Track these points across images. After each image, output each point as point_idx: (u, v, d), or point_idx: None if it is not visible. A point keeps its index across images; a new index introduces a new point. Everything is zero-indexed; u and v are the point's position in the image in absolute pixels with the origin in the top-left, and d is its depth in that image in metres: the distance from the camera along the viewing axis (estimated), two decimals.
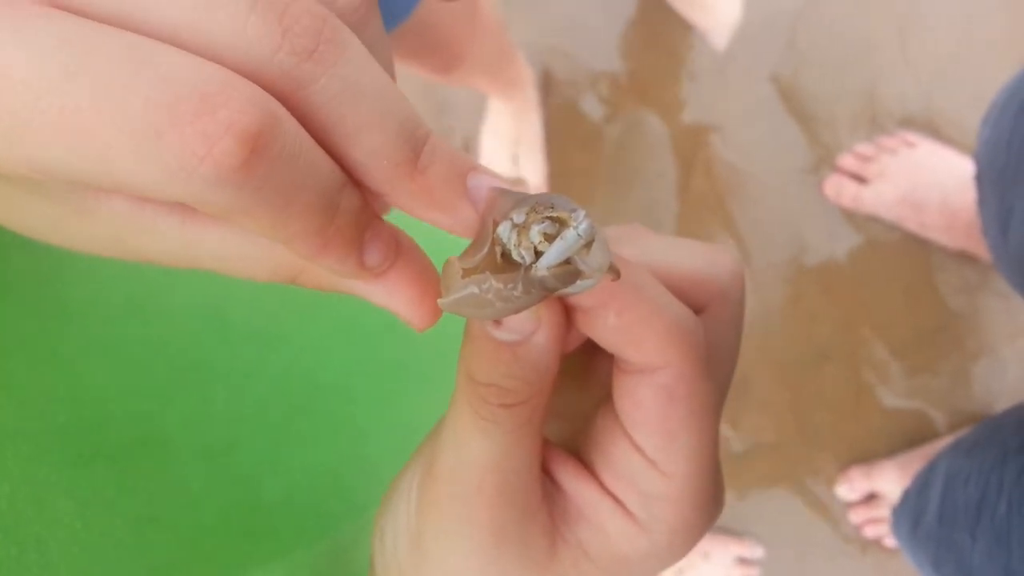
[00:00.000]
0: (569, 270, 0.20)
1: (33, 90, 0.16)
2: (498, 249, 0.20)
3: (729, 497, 1.00)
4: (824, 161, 1.19)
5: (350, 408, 0.44)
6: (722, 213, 1.19)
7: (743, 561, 1.18)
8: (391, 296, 0.22)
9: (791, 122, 1.19)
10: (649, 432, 0.24)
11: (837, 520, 1.18)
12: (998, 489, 0.71)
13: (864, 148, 1.16)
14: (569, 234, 0.19)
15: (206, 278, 0.37)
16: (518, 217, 0.20)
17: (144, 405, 0.33)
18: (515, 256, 0.20)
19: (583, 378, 0.29)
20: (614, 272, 0.21)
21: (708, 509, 0.26)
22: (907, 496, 0.91)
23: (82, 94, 0.16)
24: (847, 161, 1.17)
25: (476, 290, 0.20)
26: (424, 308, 0.22)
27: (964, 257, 1.16)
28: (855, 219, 1.18)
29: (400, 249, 0.22)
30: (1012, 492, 0.70)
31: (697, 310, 0.26)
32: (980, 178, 0.74)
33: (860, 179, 1.16)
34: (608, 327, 0.23)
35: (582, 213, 0.20)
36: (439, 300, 0.21)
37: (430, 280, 0.22)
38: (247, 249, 0.21)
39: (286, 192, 0.18)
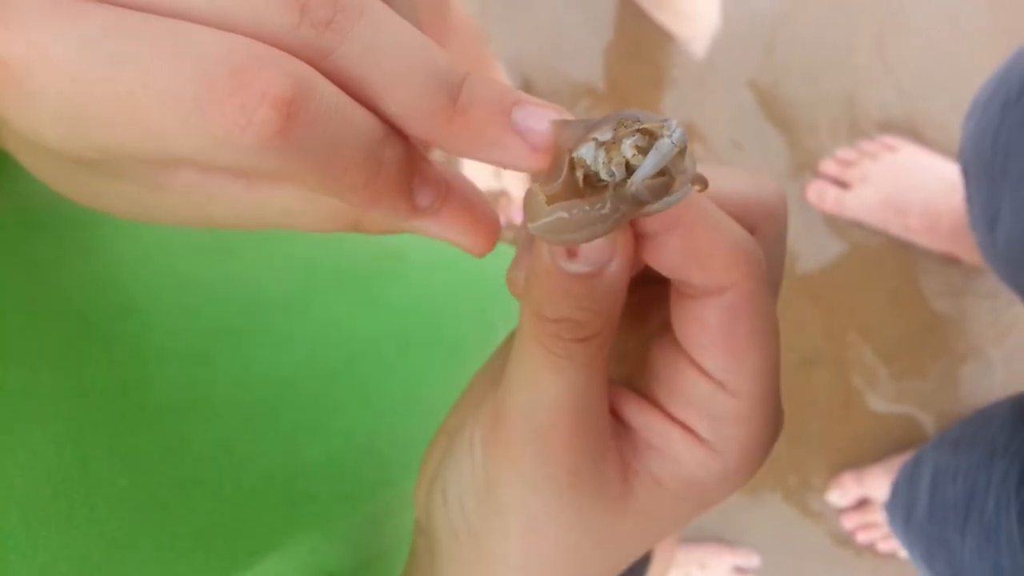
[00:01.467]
0: (663, 181, 0.20)
1: (87, 79, 0.18)
2: (579, 174, 0.20)
3: (722, 506, 1.00)
4: (806, 167, 1.19)
5: (381, 379, 0.44)
6: None
7: (739, 570, 1.18)
8: (447, 228, 0.23)
9: (772, 128, 1.19)
10: (717, 354, 0.24)
11: (831, 526, 1.18)
12: (986, 487, 0.71)
13: (845, 153, 1.17)
14: (664, 143, 0.19)
15: (234, 254, 0.40)
16: (603, 135, 0.20)
17: (183, 369, 0.35)
18: (604, 175, 0.20)
19: (634, 316, 0.29)
20: (702, 182, 0.21)
21: (775, 427, 0.26)
22: (897, 488, 0.91)
23: (132, 79, 0.18)
24: (829, 166, 1.17)
25: (565, 215, 0.20)
26: (480, 235, 0.23)
27: (948, 260, 1.17)
28: (838, 224, 1.18)
29: (450, 186, 0.23)
30: (999, 490, 0.70)
31: (750, 230, 0.26)
32: (966, 173, 0.75)
33: (842, 184, 1.16)
34: (674, 250, 0.23)
35: (674, 122, 0.20)
36: (529, 226, 0.21)
37: (482, 210, 0.23)
38: (309, 204, 0.22)
39: (328, 150, 0.19)
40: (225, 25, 0.19)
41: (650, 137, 0.20)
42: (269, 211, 0.22)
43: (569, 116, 0.21)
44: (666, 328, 0.26)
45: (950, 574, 0.75)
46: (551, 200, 0.21)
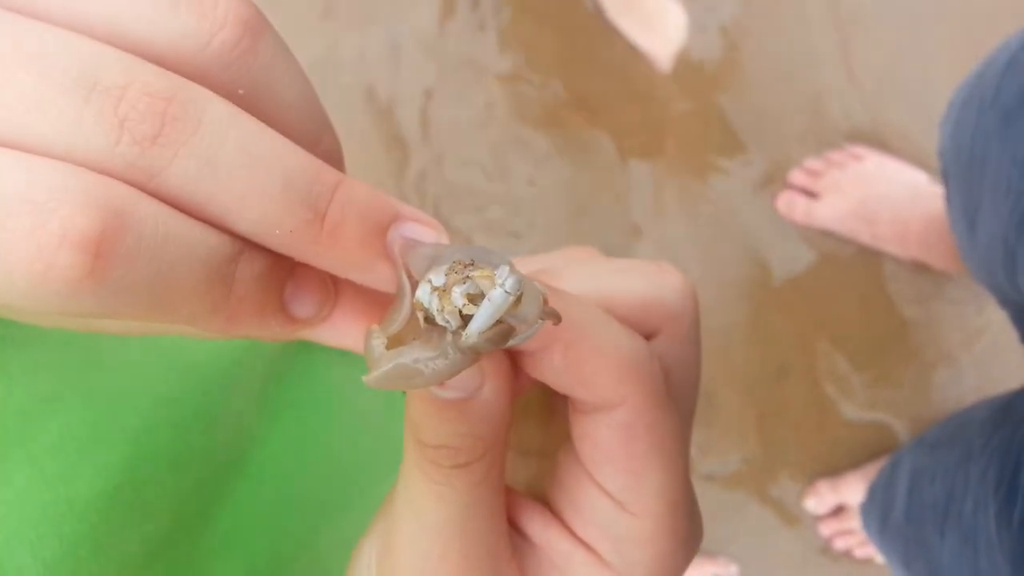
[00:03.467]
0: (502, 329, 0.18)
1: None
2: (420, 314, 0.19)
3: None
4: (774, 177, 1.20)
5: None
6: (676, 233, 1.20)
7: None
8: (341, 336, 0.20)
9: (739, 140, 1.20)
10: (613, 473, 0.23)
11: (807, 534, 1.18)
12: (964, 488, 0.72)
13: (813, 163, 1.18)
14: (496, 294, 0.18)
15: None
16: (437, 279, 0.18)
17: (112, 455, 0.32)
18: (439, 321, 0.19)
19: (548, 413, 0.27)
20: (554, 317, 0.20)
21: (685, 544, 0.24)
22: (873, 490, 0.92)
23: None
24: (797, 176, 1.18)
25: (405, 361, 0.19)
26: None
27: (917, 267, 1.18)
28: (808, 234, 1.19)
29: (340, 287, 0.20)
30: (977, 491, 0.70)
31: (651, 334, 0.24)
32: (945, 174, 0.76)
33: (811, 194, 1.18)
34: (555, 369, 0.22)
35: (506, 268, 0.18)
36: (364, 377, 0.19)
37: (381, 308, 0.20)
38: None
39: (157, 283, 0.16)
40: (29, 147, 0.16)
41: (485, 282, 0.18)
42: (147, 327, 0.20)
43: (444, 236, 0.20)
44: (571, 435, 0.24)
45: (929, 575, 0.75)
46: (391, 344, 0.19)
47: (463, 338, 0.18)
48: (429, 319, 0.19)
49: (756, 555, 1.19)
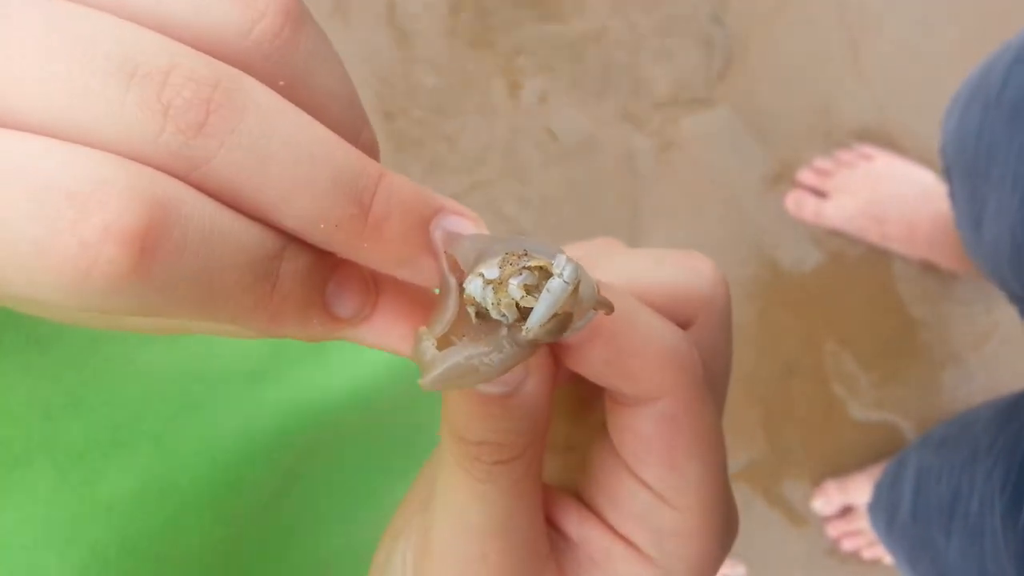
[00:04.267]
0: (560, 320, 0.18)
1: None
2: (471, 310, 0.18)
3: None
4: (783, 176, 1.20)
5: (348, 448, 0.42)
6: (684, 232, 1.20)
7: None
8: (381, 336, 0.20)
9: (749, 139, 1.20)
10: (654, 466, 0.22)
11: (815, 534, 1.18)
12: (970, 488, 0.71)
13: (822, 162, 1.18)
14: (555, 284, 0.17)
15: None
16: (490, 272, 0.18)
17: (135, 456, 0.31)
18: (494, 315, 0.18)
19: (577, 407, 0.27)
20: (606, 307, 0.19)
21: (725, 537, 0.24)
22: (879, 489, 0.91)
23: None
24: (806, 176, 1.18)
25: (459, 360, 0.18)
26: None
27: (926, 267, 1.18)
28: (817, 233, 1.19)
29: (381, 287, 0.20)
30: (983, 491, 0.70)
31: (684, 324, 0.24)
32: (949, 171, 0.75)
33: (820, 193, 1.17)
34: (598, 362, 0.21)
35: (563, 257, 0.18)
36: (420, 381, 0.19)
37: (422, 309, 0.20)
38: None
39: (202, 279, 0.16)
40: (69, 135, 0.15)
41: (540, 273, 0.18)
42: (180, 326, 0.20)
43: (484, 228, 0.19)
44: (607, 429, 0.24)
45: (935, 574, 0.75)
46: (442, 344, 0.18)
47: (523, 332, 0.18)
48: (481, 314, 0.18)
49: (763, 556, 1.18)
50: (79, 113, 0.15)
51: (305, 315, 0.18)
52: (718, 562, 0.24)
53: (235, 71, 0.16)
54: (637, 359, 0.21)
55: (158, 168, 0.16)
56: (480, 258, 0.18)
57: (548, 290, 0.17)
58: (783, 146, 1.20)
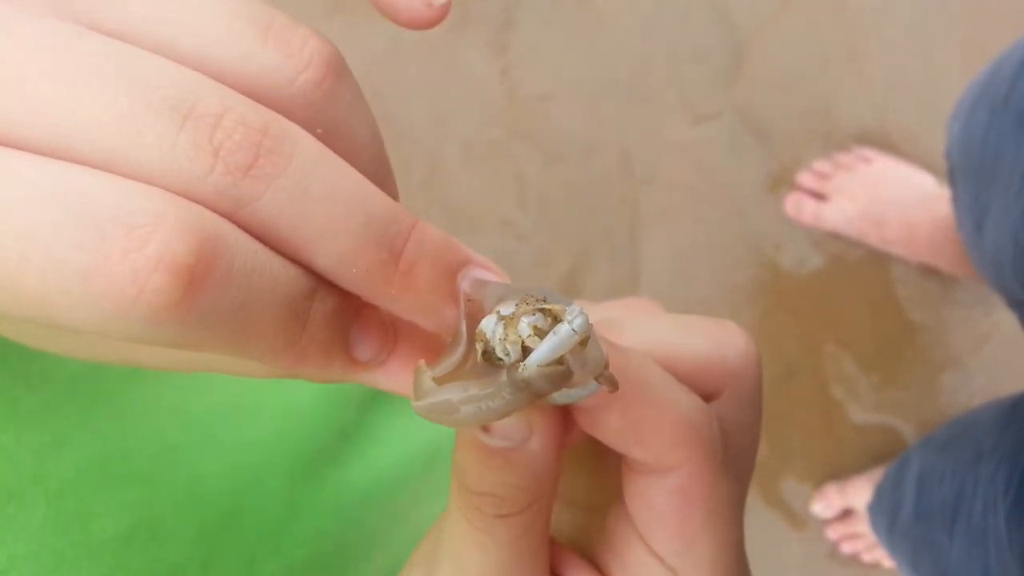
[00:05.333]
0: (560, 371, 0.18)
1: None
2: (479, 346, 0.19)
3: None
4: (783, 179, 1.20)
5: (342, 477, 0.41)
6: (684, 234, 1.20)
7: None
8: (396, 381, 0.20)
9: (748, 142, 1.20)
10: (666, 538, 0.22)
11: (815, 537, 1.18)
12: (973, 489, 0.71)
13: (822, 165, 1.18)
14: (562, 328, 0.17)
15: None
16: (506, 309, 0.18)
17: (123, 493, 0.31)
18: (499, 352, 0.18)
19: (595, 463, 0.27)
20: (611, 384, 0.19)
21: None
22: (881, 491, 0.91)
23: (4, 240, 0.15)
24: (806, 178, 1.18)
25: (453, 397, 0.18)
26: None
27: (925, 270, 1.18)
28: (816, 236, 1.19)
29: (399, 334, 0.20)
30: (987, 492, 0.70)
31: (709, 396, 0.24)
32: (952, 175, 0.76)
33: (820, 196, 1.17)
34: (612, 428, 0.21)
35: (576, 307, 0.18)
36: (413, 404, 0.19)
37: (437, 355, 0.20)
38: (234, 359, 0.19)
39: (240, 314, 0.16)
40: (121, 170, 0.16)
41: (552, 319, 0.18)
42: (195, 363, 0.20)
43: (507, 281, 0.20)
44: (622, 493, 0.24)
45: (937, 575, 0.75)
46: (441, 380, 0.19)
47: (520, 369, 0.18)
48: (487, 353, 0.19)
49: (763, 559, 1.18)
50: (134, 149, 0.16)
51: (328, 356, 0.19)
52: None
53: (283, 119, 0.17)
54: (651, 427, 0.21)
55: (205, 205, 0.16)
56: (501, 300, 0.19)
57: (554, 332, 0.18)
58: (783, 149, 1.20)
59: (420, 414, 0.19)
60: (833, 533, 1.16)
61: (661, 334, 0.24)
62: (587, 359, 0.18)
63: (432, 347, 0.20)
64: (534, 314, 0.18)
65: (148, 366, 0.21)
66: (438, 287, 0.18)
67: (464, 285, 0.19)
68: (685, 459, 0.22)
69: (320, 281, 0.18)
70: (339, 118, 0.18)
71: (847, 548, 1.15)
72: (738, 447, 0.24)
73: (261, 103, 0.17)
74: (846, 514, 1.15)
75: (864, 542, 1.14)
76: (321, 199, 0.17)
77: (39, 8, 0.16)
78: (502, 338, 0.18)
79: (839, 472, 1.18)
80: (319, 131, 0.18)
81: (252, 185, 0.16)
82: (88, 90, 0.16)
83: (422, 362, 0.19)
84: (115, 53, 0.16)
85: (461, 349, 0.19)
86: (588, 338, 0.18)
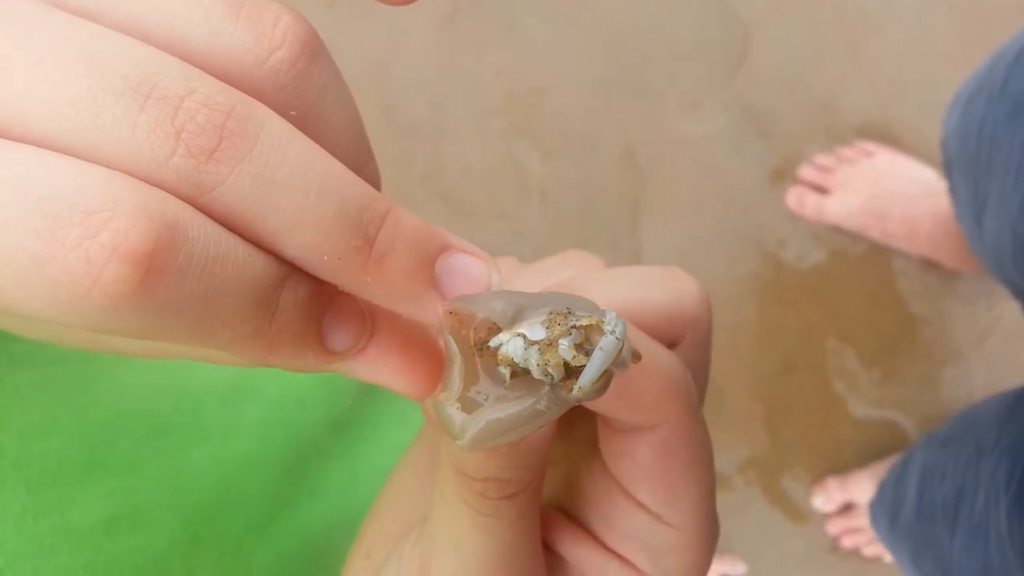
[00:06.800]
0: (607, 376, 0.18)
1: None
2: (505, 370, 0.18)
3: None
4: (785, 173, 1.20)
5: (327, 465, 0.41)
6: (685, 229, 1.20)
7: None
8: (374, 371, 0.19)
9: (750, 136, 1.20)
10: (653, 488, 0.23)
11: (816, 532, 1.18)
12: (975, 484, 0.71)
13: (824, 159, 1.18)
14: (608, 342, 0.17)
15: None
16: (534, 333, 0.18)
17: (106, 482, 0.31)
18: (537, 375, 0.18)
19: (559, 423, 0.27)
20: (637, 356, 0.19)
21: (713, 546, 0.25)
22: (883, 488, 0.91)
23: None
24: (808, 172, 1.18)
25: (496, 416, 0.18)
26: (415, 376, 0.19)
27: (927, 264, 1.18)
28: (818, 230, 1.19)
29: (376, 321, 0.19)
30: (988, 487, 0.70)
31: (672, 343, 0.24)
32: (949, 166, 0.75)
33: (821, 190, 1.17)
34: (603, 397, 0.21)
35: (613, 315, 0.18)
36: (457, 444, 0.18)
37: (418, 346, 0.20)
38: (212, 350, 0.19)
39: (202, 304, 0.16)
40: (79, 153, 0.15)
41: (586, 331, 0.18)
42: (168, 351, 0.20)
43: (494, 268, 0.19)
44: (596, 448, 0.24)
45: (939, 572, 0.75)
46: (468, 406, 0.18)
47: (575, 390, 0.18)
48: (516, 374, 0.18)
49: (764, 553, 1.18)
50: (92, 132, 0.15)
51: (300, 346, 0.18)
52: (707, 568, 0.25)
53: (249, 99, 0.16)
54: (641, 390, 0.21)
55: (166, 191, 0.15)
56: (519, 317, 0.18)
57: (601, 348, 0.17)
58: (784, 142, 1.20)
59: (469, 451, 0.18)
60: (834, 527, 1.16)
61: (621, 291, 0.24)
62: (624, 352, 0.18)
63: (410, 333, 0.20)
64: (570, 333, 0.17)
65: (117, 352, 0.20)
66: (415, 273, 0.18)
67: (452, 275, 0.19)
68: (670, 414, 0.22)
69: (291, 268, 0.17)
70: (314, 100, 0.18)
71: (848, 542, 1.15)
72: (699, 389, 0.25)
73: (231, 84, 0.17)
74: (847, 508, 1.15)
75: (865, 536, 1.14)
76: (289, 184, 0.16)
77: None
78: (541, 363, 0.18)
79: (840, 466, 1.18)
80: (293, 113, 0.17)
81: (216, 169, 0.16)
82: (45, 70, 0.15)
83: (438, 396, 0.19)
84: (76, 31, 0.16)
85: (459, 367, 0.18)
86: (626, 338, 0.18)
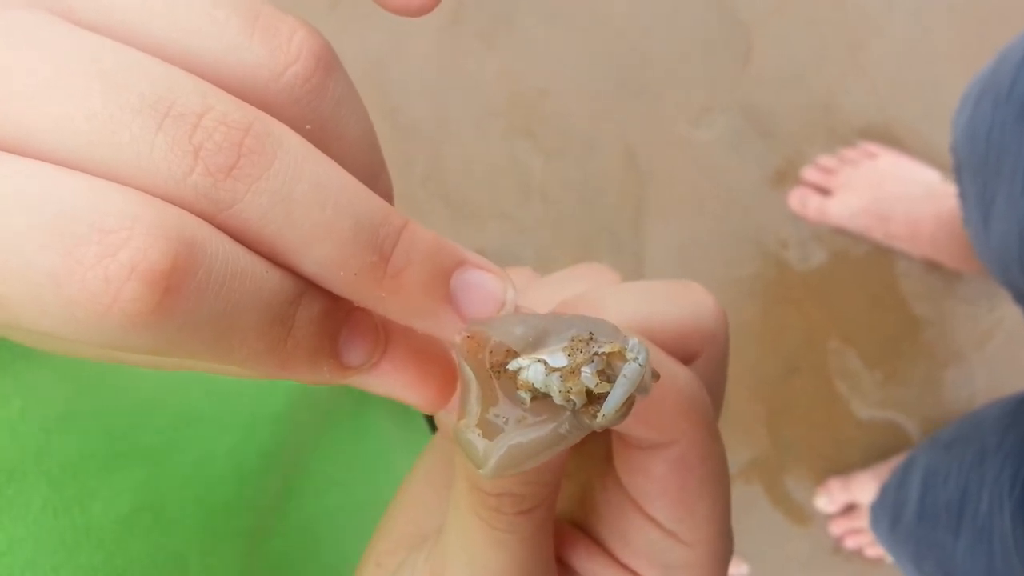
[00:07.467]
0: (631, 402, 0.18)
1: None
2: (526, 395, 0.18)
3: None
4: (787, 174, 1.20)
5: (329, 457, 0.41)
6: (686, 230, 1.20)
7: None
8: (388, 385, 0.19)
9: (752, 137, 1.20)
10: (668, 505, 0.23)
11: (818, 532, 1.18)
12: (978, 488, 0.71)
13: (826, 160, 1.18)
14: (632, 369, 0.17)
15: None
16: (555, 360, 0.18)
17: (130, 475, 0.31)
18: (559, 401, 0.18)
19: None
20: (656, 377, 0.19)
21: (727, 563, 0.25)
22: (885, 491, 0.91)
23: None
24: (810, 173, 1.18)
25: (518, 441, 0.18)
26: (428, 389, 0.19)
27: (929, 265, 1.18)
28: (821, 231, 1.19)
29: (389, 335, 0.19)
30: (992, 490, 0.70)
31: (689, 359, 0.24)
32: (958, 169, 0.75)
33: (824, 191, 1.17)
34: None
35: (635, 340, 0.18)
36: (481, 472, 0.18)
37: (431, 359, 0.20)
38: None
39: (220, 322, 0.16)
40: (97, 171, 0.15)
41: (608, 358, 0.18)
42: (178, 363, 0.20)
43: (510, 284, 0.19)
44: (611, 463, 0.24)
45: (941, 575, 0.75)
46: (488, 431, 0.18)
47: (600, 417, 0.18)
48: (536, 396, 0.18)
49: (766, 554, 1.18)
50: (109, 150, 0.15)
51: (315, 362, 0.18)
52: None
53: (266, 116, 0.16)
54: (658, 407, 0.21)
55: (184, 208, 0.15)
56: (539, 341, 0.18)
57: (625, 375, 0.17)
58: (785, 143, 1.20)
59: (490, 477, 0.18)
60: (836, 528, 1.16)
61: (637, 306, 0.23)
62: (646, 383, 0.18)
63: (423, 347, 0.20)
64: (593, 360, 0.17)
65: (129, 363, 0.20)
66: (430, 290, 0.18)
67: (468, 290, 0.19)
68: (686, 432, 0.22)
69: (307, 284, 0.17)
70: (328, 114, 0.18)
71: (850, 543, 1.15)
72: (715, 404, 0.25)
73: (246, 99, 0.16)
74: (849, 509, 1.15)
75: (867, 537, 1.14)
76: (306, 201, 0.16)
77: None
78: (563, 390, 0.18)
79: (842, 467, 1.18)
80: (308, 127, 0.17)
81: (233, 187, 0.16)
82: (60, 87, 0.15)
83: (461, 422, 0.19)
84: (90, 47, 0.16)
85: (476, 391, 0.18)
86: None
